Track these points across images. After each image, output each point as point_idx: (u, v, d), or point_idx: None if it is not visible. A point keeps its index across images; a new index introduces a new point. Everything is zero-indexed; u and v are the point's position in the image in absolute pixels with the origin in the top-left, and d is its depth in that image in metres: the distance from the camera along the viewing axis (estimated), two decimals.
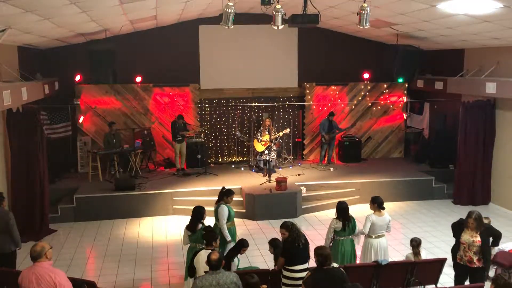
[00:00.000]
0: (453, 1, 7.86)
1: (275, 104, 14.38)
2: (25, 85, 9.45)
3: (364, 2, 7.66)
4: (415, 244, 7.01)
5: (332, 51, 14.29)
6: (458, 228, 6.60)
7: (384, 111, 14.71)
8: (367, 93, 14.46)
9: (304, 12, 7.99)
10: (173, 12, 11.46)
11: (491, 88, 10.51)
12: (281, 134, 12.79)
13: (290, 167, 13.48)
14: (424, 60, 12.90)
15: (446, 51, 12.97)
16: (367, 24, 7.78)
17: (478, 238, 6.32)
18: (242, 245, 6.55)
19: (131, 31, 12.72)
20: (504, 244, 7.67)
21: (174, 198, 11.39)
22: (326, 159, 13.82)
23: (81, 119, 13.09)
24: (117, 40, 12.12)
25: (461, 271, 6.62)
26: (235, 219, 7.97)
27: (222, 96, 14.07)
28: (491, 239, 6.53)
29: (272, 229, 10.18)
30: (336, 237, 7.03)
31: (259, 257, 8.75)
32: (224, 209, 7.44)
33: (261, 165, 12.75)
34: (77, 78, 12.89)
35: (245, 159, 14.33)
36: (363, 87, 14.45)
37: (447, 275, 7.30)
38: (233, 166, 13.80)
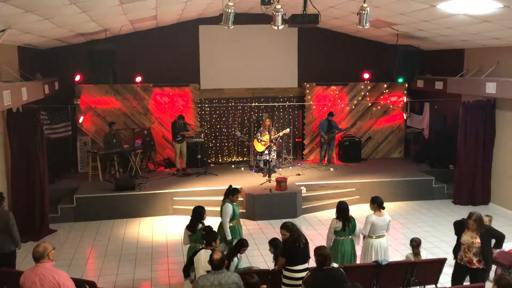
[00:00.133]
0: (453, 1, 7.86)
1: (275, 104, 14.38)
2: (25, 85, 9.45)
3: (364, 2, 7.66)
4: (415, 244, 7.01)
5: (332, 51, 14.29)
6: (460, 228, 6.59)
7: (384, 111, 14.72)
8: (367, 93, 14.46)
9: (304, 12, 7.99)
10: (173, 12, 11.46)
11: (491, 88, 10.50)
12: (281, 134, 12.79)
13: (290, 167, 13.48)
14: (424, 60, 12.90)
15: (446, 51, 12.97)
16: (367, 24, 7.78)
17: (478, 240, 6.31)
18: (242, 245, 6.56)
19: (131, 31, 12.72)
20: (504, 244, 7.66)
21: (174, 198, 11.39)
22: (326, 159, 13.82)
23: (81, 119, 13.10)
24: (117, 40, 12.12)
25: (460, 271, 6.62)
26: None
27: (222, 96, 14.07)
28: (493, 240, 6.51)
29: (272, 229, 10.18)
30: (336, 237, 7.02)
31: (259, 257, 8.75)
32: (229, 207, 7.45)
33: (261, 165, 12.75)
34: (77, 78, 12.89)
35: (245, 159, 14.33)
36: (363, 87, 14.45)
37: (447, 275, 7.29)
38: (233, 166, 13.80)
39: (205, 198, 11.26)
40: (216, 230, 6.68)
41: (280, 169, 13.15)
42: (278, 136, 12.83)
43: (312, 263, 5.86)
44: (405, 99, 14.68)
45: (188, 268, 6.14)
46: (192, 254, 6.22)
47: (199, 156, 13.34)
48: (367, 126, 14.73)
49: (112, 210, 11.04)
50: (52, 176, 11.61)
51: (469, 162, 11.89)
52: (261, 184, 11.62)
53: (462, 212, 10.78)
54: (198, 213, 6.94)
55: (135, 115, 13.56)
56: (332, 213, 7.54)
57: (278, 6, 7.62)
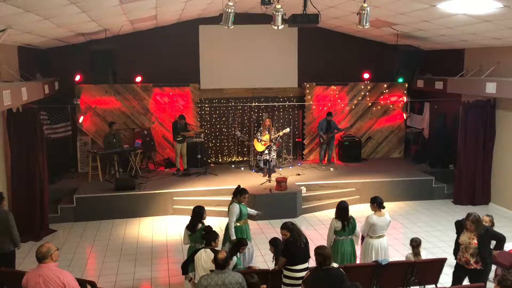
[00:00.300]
0: (453, 1, 7.86)
1: (275, 104, 14.38)
2: (25, 85, 9.45)
3: (364, 2, 7.65)
4: (415, 244, 7.00)
5: (332, 51, 14.28)
6: (460, 228, 6.58)
7: (384, 111, 14.72)
8: (367, 93, 14.46)
9: (304, 12, 7.98)
10: (173, 12, 11.46)
11: (491, 88, 10.50)
12: (281, 133, 12.79)
13: (290, 167, 13.49)
14: (424, 60, 12.89)
15: (446, 51, 12.97)
16: (367, 24, 7.78)
17: (475, 241, 6.29)
18: (241, 244, 6.56)
19: (131, 31, 12.72)
20: (505, 245, 7.65)
21: (174, 198, 11.38)
22: (326, 159, 13.83)
23: (81, 119, 13.09)
24: (117, 40, 12.11)
25: (459, 271, 6.62)
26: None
27: (222, 96, 14.07)
28: (494, 242, 6.48)
29: (272, 229, 10.18)
30: (336, 237, 7.02)
31: (259, 257, 8.75)
32: (235, 207, 7.47)
33: (261, 165, 12.75)
34: (77, 78, 12.89)
35: (245, 159, 14.33)
36: (363, 87, 14.45)
37: (447, 275, 7.30)
38: (233, 166, 13.80)
39: (205, 198, 11.26)
40: (214, 230, 6.64)
41: (280, 169, 13.16)
42: (278, 136, 12.83)
43: (312, 263, 5.86)
44: (405, 99, 14.69)
45: (187, 265, 6.16)
46: (192, 253, 6.22)
47: (199, 156, 13.34)
48: (367, 126, 14.73)
49: (112, 210, 11.04)
50: (52, 176, 11.60)
51: (469, 162, 11.89)
52: (261, 184, 11.63)
53: (462, 212, 10.77)
54: (198, 213, 6.94)
55: (135, 115, 13.56)
56: (332, 213, 7.54)
57: (278, 6, 7.62)
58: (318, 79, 14.24)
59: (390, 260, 6.90)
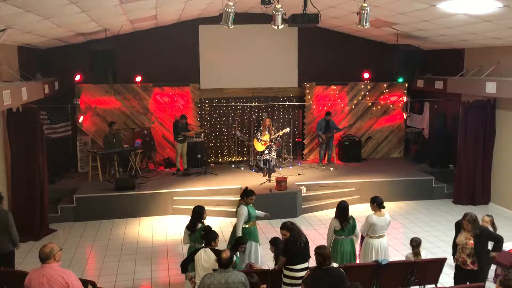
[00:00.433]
0: (453, 0, 7.85)
1: (275, 104, 14.38)
2: (25, 85, 9.45)
3: (364, 1, 7.65)
4: (415, 244, 7.00)
5: (332, 51, 14.28)
6: (459, 228, 6.57)
7: (384, 111, 14.72)
8: (367, 93, 14.46)
9: (304, 12, 7.98)
10: (173, 12, 11.45)
11: (491, 88, 10.50)
12: (280, 133, 12.79)
13: (290, 167, 13.48)
14: (424, 60, 12.88)
15: (446, 51, 12.97)
16: (367, 24, 7.77)
17: (471, 241, 6.28)
18: (240, 243, 6.55)
19: (131, 31, 12.72)
20: (505, 244, 7.64)
21: (174, 198, 11.38)
22: (326, 158, 13.83)
23: (81, 119, 13.09)
24: (117, 40, 12.11)
25: (457, 271, 6.61)
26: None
27: (222, 96, 14.07)
28: (491, 243, 6.44)
29: (272, 229, 10.17)
30: (336, 237, 7.03)
31: None
32: (243, 210, 7.46)
33: (261, 164, 12.75)
34: (77, 78, 12.89)
35: (245, 159, 14.32)
36: (363, 87, 14.44)
37: (447, 275, 7.30)
38: (233, 166, 13.80)
39: (205, 198, 11.26)
40: (214, 230, 6.63)
41: (280, 168, 13.16)
42: (278, 136, 12.83)
43: (312, 262, 5.86)
44: (405, 98, 14.68)
45: (187, 264, 6.15)
46: (192, 252, 6.22)
47: (199, 156, 13.34)
48: (367, 126, 14.73)
49: (112, 210, 11.04)
50: (52, 176, 11.60)
51: (469, 162, 11.89)
52: (261, 184, 11.62)
53: (462, 212, 10.63)
54: (198, 213, 6.94)
55: (135, 115, 13.56)
56: (332, 212, 7.54)
57: (278, 6, 7.62)
58: (318, 79, 14.24)
59: (390, 260, 6.90)
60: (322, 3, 9.07)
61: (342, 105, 14.43)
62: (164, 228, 10.55)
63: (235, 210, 11.14)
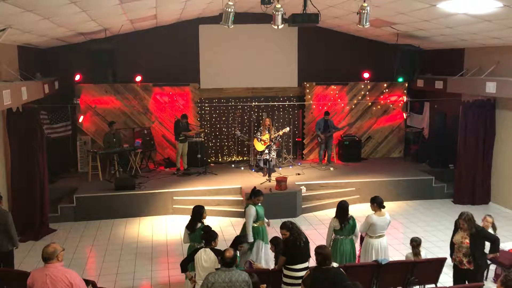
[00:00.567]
0: (453, 0, 7.85)
1: (275, 103, 14.37)
2: (25, 84, 9.43)
3: (364, 1, 7.65)
4: (415, 244, 7.01)
5: (332, 51, 14.27)
6: (457, 227, 6.57)
7: (384, 111, 14.71)
8: (367, 93, 14.46)
9: (304, 12, 7.98)
10: (173, 11, 11.45)
11: (491, 87, 10.50)
12: (280, 133, 12.79)
13: (290, 167, 13.48)
14: (424, 59, 12.88)
15: (446, 51, 12.97)
16: (367, 23, 7.78)
17: (467, 240, 6.28)
18: (239, 242, 6.55)
19: (131, 31, 12.71)
20: (504, 244, 7.65)
21: (174, 198, 11.38)
22: (325, 158, 13.83)
23: (81, 119, 13.09)
24: (117, 39, 12.10)
25: (455, 271, 6.62)
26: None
27: (222, 95, 14.06)
28: (488, 244, 6.43)
29: (272, 228, 10.15)
30: (336, 236, 7.03)
31: None
32: (251, 210, 7.49)
33: (261, 164, 12.74)
34: (77, 77, 12.88)
35: (245, 158, 14.32)
36: (363, 86, 14.44)
37: (447, 275, 7.30)
38: (233, 165, 13.80)
39: (205, 198, 11.26)
40: (213, 230, 6.61)
41: (280, 168, 13.15)
42: (278, 135, 12.83)
43: (312, 262, 5.86)
44: (405, 98, 14.68)
45: (187, 263, 6.16)
46: (192, 252, 6.23)
47: (199, 156, 13.34)
48: (367, 125, 14.72)
49: (112, 210, 11.04)
50: (52, 176, 11.60)
51: (469, 162, 11.88)
52: (261, 184, 11.61)
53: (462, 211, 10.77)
54: (198, 213, 6.94)
55: (135, 114, 13.56)
56: (332, 212, 7.54)
57: (278, 6, 7.62)
58: (318, 79, 14.23)
59: (390, 259, 6.90)
60: (322, 3, 9.07)
61: (342, 105, 14.42)
62: (164, 228, 10.55)
63: (235, 210, 11.19)
